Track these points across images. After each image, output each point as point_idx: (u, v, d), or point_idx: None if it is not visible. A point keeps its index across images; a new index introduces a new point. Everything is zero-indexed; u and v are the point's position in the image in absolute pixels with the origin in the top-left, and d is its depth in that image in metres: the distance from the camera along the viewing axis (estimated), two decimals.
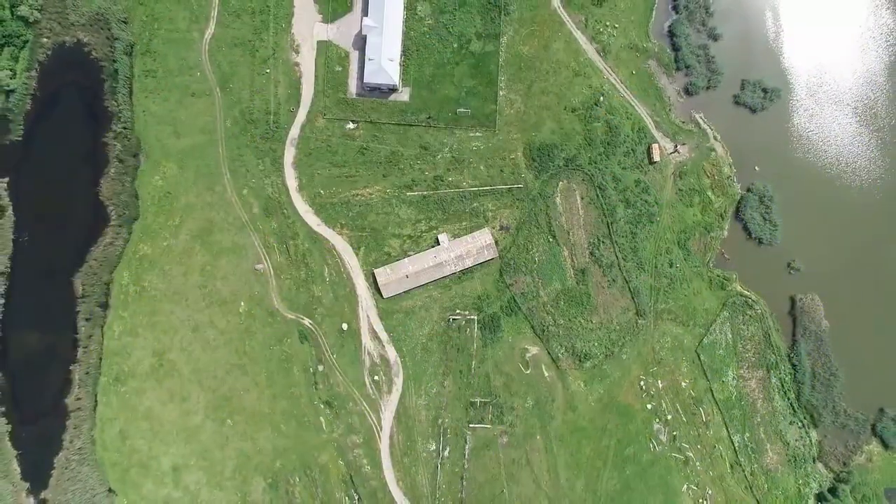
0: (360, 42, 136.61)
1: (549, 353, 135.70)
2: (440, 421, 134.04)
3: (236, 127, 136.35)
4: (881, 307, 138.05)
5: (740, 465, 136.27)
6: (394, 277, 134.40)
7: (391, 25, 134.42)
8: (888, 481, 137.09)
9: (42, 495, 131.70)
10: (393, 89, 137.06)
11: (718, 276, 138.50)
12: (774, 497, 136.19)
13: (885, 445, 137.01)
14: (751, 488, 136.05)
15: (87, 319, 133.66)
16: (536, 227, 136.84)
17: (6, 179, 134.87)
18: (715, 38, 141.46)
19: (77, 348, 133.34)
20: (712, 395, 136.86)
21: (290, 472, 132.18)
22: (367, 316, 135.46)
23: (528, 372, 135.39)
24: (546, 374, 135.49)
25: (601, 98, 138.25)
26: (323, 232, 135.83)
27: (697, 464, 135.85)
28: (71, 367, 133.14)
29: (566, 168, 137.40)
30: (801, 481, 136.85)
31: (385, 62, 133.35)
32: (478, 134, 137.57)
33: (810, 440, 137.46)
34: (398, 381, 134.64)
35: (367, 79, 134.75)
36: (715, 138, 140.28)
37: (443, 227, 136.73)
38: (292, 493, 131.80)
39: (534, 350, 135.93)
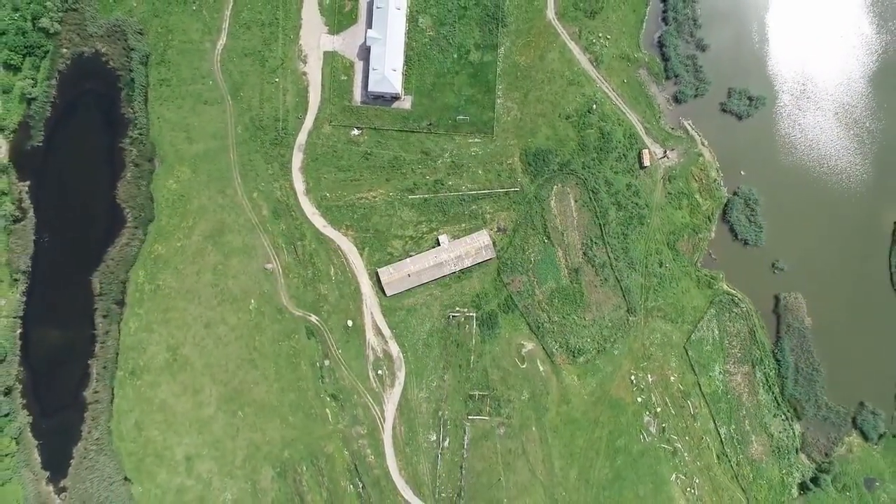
0: (365, 53, 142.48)
1: (544, 348, 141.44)
2: (440, 413, 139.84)
3: (247, 133, 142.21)
4: (861, 305, 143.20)
5: (726, 455, 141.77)
6: (396, 276, 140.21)
7: (394, 37, 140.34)
8: (867, 471, 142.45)
9: (61, 483, 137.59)
10: (395, 97, 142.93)
11: (706, 275, 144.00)
12: (759, 486, 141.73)
13: (865, 437, 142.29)
14: (736, 478, 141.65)
15: (104, 316, 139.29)
16: (532, 228, 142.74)
17: (28, 183, 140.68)
18: (703, 48, 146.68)
19: (95, 344, 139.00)
20: (700, 388, 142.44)
21: (298, 462, 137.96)
22: (371, 313, 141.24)
23: (524, 366, 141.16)
24: (541, 368, 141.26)
25: (594, 106, 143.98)
26: (329, 233, 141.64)
27: (685, 454, 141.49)
28: (89, 362, 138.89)
29: (560, 172, 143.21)
30: (784, 471, 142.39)
31: (388, 72, 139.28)
32: (476, 140, 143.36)
33: (793, 432, 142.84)
34: (400, 375, 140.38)
35: (371, 87, 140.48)
36: (703, 144, 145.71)
37: (443, 228, 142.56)
38: (299, 481, 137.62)
39: (529, 346, 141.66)
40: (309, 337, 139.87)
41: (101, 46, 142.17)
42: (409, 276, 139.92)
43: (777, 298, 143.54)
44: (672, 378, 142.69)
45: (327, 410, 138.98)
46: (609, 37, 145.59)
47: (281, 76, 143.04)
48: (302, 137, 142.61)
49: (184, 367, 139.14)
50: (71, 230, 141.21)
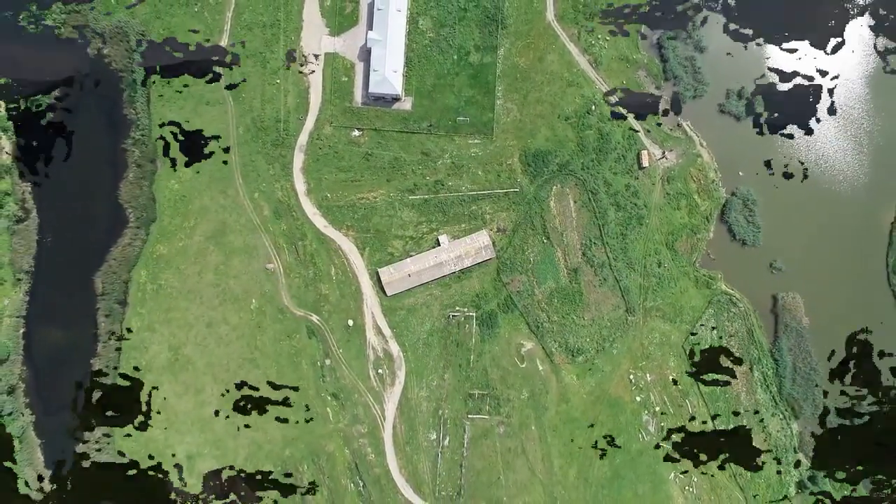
0: (365, 54, 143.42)
1: (543, 348, 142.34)
2: (440, 412, 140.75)
3: (248, 134, 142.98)
4: (859, 305, 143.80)
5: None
6: (397, 276, 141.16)
7: (394, 38, 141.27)
8: None
9: (64, 482, 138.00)
10: (396, 98, 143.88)
11: (704, 275, 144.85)
12: (757, 485, 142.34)
13: None
14: (734, 476, 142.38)
15: (106, 316, 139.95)
16: (531, 228, 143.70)
17: (31, 183, 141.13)
18: (701, 49, 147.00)
19: (97, 343, 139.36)
20: (698, 388, 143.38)
21: (299, 461, 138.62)
22: (372, 313, 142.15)
23: (523, 366, 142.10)
24: (540, 367, 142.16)
25: (593, 107, 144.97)
26: (330, 233, 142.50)
27: None
28: (91, 361, 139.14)
29: (560, 173, 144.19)
30: (782, 470, 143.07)
31: (389, 73, 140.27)
32: (476, 141, 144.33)
33: (791, 431, 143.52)
34: (401, 374, 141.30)
35: (372, 89, 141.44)
36: (701, 145, 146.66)
37: (443, 228, 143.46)
38: (301, 479, 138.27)
39: (529, 345, 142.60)
40: (310, 336, 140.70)
41: (104, 48, 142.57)
42: (409, 276, 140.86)
43: (775, 298, 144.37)
44: (671, 377, 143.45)
45: (328, 409, 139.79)
46: (608, 38, 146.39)
47: (282, 77, 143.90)
48: (303, 138, 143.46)
49: (185, 367, 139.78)
50: (73, 230, 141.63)
